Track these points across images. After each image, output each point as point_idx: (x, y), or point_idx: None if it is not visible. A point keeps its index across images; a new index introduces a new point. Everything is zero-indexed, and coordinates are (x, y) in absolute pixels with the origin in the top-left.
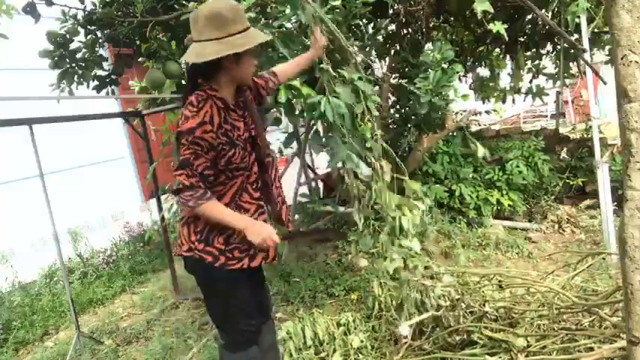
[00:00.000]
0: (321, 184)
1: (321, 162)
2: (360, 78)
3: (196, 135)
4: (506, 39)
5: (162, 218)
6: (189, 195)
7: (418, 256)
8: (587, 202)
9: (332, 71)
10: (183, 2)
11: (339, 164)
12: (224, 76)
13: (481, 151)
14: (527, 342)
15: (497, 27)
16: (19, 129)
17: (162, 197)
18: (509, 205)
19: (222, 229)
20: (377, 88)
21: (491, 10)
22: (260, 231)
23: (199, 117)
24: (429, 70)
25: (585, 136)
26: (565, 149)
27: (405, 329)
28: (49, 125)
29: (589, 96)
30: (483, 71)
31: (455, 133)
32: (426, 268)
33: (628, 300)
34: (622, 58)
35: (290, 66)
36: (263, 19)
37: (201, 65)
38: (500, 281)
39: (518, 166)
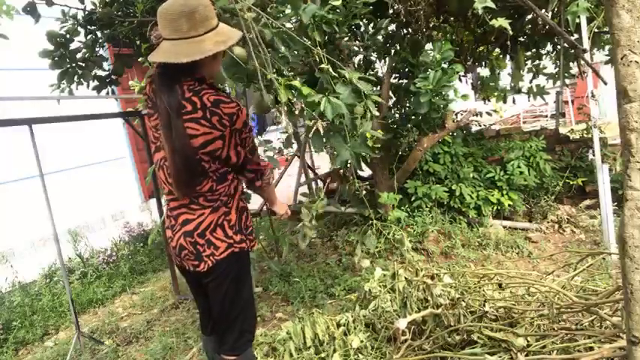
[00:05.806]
0: (321, 184)
1: (321, 162)
2: (360, 78)
3: (247, 122)
4: (511, 33)
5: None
6: (268, 172)
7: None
8: (587, 202)
9: (332, 71)
10: None
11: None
12: (208, 70)
13: None
14: (527, 342)
15: (501, 22)
16: (19, 129)
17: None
18: (509, 205)
19: (242, 212)
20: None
21: (493, 6)
22: (285, 205)
23: (239, 105)
24: (429, 70)
25: (585, 135)
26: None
27: (402, 323)
28: (49, 125)
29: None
30: (483, 71)
31: (455, 133)
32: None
33: (628, 300)
34: (622, 58)
35: None
36: (263, 18)
37: (191, 62)
38: (500, 281)
39: (519, 167)
